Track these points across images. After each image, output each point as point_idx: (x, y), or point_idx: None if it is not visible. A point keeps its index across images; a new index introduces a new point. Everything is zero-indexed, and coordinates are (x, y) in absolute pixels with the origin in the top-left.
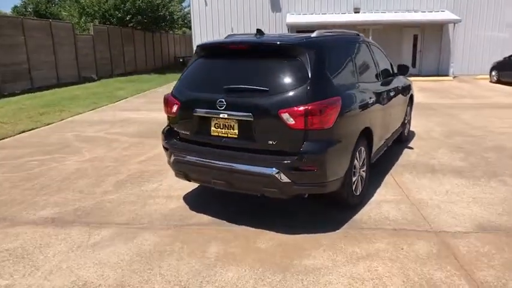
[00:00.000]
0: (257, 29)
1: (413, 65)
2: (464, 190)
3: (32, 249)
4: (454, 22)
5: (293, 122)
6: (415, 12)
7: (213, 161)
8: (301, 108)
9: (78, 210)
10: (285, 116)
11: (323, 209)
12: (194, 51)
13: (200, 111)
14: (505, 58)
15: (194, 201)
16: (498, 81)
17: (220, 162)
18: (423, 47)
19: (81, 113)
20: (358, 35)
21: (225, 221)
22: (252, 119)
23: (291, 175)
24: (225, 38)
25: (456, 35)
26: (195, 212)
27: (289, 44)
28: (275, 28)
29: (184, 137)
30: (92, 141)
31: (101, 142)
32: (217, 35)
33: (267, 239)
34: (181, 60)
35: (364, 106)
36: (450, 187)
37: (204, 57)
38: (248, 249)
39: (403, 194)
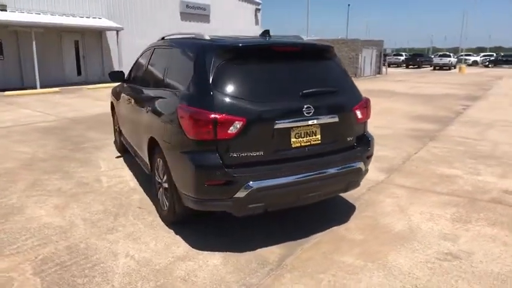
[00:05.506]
0: (265, 30)
1: (79, 72)
2: None
3: None
4: (116, 30)
5: (361, 116)
6: (73, 16)
7: (306, 175)
8: (364, 102)
9: None
10: (357, 111)
11: None
12: (207, 54)
13: (283, 123)
14: None
15: (211, 245)
16: None
17: (313, 173)
18: (86, 54)
19: None
20: None
21: (273, 246)
22: (337, 120)
23: (366, 163)
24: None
25: (121, 41)
26: (248, 252)
27: (329, 47)
28: None
29: (253, 160)
30: None
31: None
32: None
33: (332, 239)
34: None
35: None
36: None
37: (238, 60)
38: (351, 244)
39: None
